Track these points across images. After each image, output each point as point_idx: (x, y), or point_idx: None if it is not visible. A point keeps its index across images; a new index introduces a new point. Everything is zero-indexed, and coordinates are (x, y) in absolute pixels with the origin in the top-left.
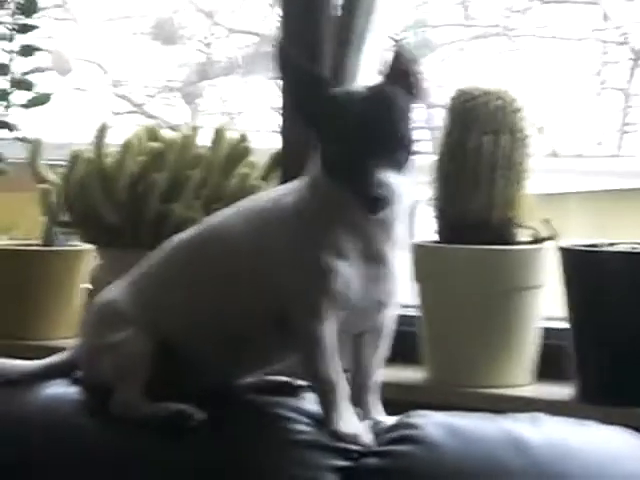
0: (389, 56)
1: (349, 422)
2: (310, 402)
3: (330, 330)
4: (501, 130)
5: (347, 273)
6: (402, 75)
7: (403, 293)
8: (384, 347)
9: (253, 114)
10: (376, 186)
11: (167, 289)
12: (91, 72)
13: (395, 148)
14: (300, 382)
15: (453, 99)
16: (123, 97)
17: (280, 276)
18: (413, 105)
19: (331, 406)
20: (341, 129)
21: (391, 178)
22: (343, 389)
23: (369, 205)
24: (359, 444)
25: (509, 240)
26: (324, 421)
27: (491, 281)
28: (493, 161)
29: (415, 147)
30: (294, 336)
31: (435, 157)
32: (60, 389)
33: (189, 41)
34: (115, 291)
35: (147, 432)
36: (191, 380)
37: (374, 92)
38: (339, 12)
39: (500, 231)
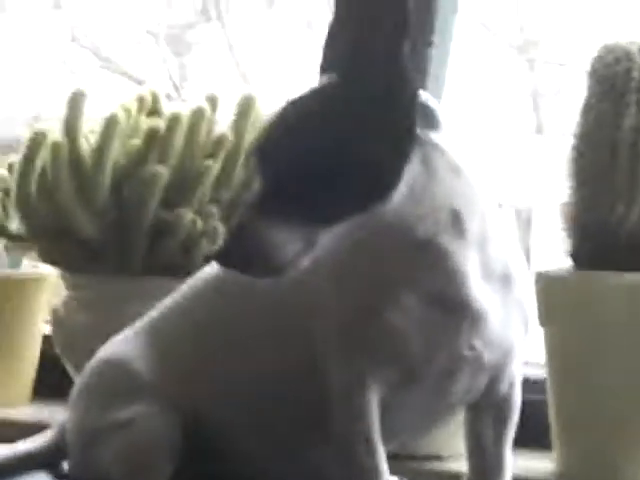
0: None
1: None
2: None
3: (375, 402)
4: None
5: (403, 325)
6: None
7: (522, 346)
8: (509, 426)
9: (285, 67)
10: (226, 244)
11: (198, 343)
12: (41, 12)
13: (277, 192)
14: None
15: (596, 60)
16: (86, 47)
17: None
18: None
19: None
20: None
21: (258, 234)
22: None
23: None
24: None
25: None
26: None
27: None
28: None
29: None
30: (328, 413)
31: (570, 145)
32: None
33: None
34: (123, 344)
35: None
36: (222, 464)
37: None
38: None
39: None
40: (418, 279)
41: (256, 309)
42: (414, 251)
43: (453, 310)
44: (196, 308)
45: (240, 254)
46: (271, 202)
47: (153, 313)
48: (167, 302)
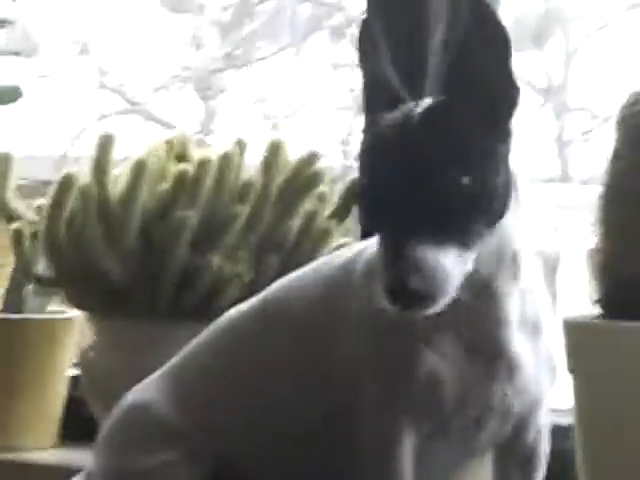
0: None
1: None
2: None
3: (408, 452)
4: None
5: (441, 372)
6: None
7: (549, 394)
8: (536, 475)
9: (311, 113)
10: (402, 273)
11: (222, 388)
12: (68, 54)
13: (435, 212)
14: None
15: (625, 108)
16: (114, 91)
17: (351, 378)
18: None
19: None
20: (364, 179)
21: (431, 258)
22: None
23: (392, 300)
24: None
25: None
26: None
27: None
28: None
29: (488, 199)
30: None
31: (599, 191)
32: None
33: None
34: (149, 389)
35: None
36: None
37: (420, 116)
38: None
39: None
40: (465, 324)
41: (283, 353)
42: (470, 293)
43: (493, 357)
44: (220, 352)
45: (422, 291)
46: (426, 231)
47: (178, 358)
48: (192, 346)
